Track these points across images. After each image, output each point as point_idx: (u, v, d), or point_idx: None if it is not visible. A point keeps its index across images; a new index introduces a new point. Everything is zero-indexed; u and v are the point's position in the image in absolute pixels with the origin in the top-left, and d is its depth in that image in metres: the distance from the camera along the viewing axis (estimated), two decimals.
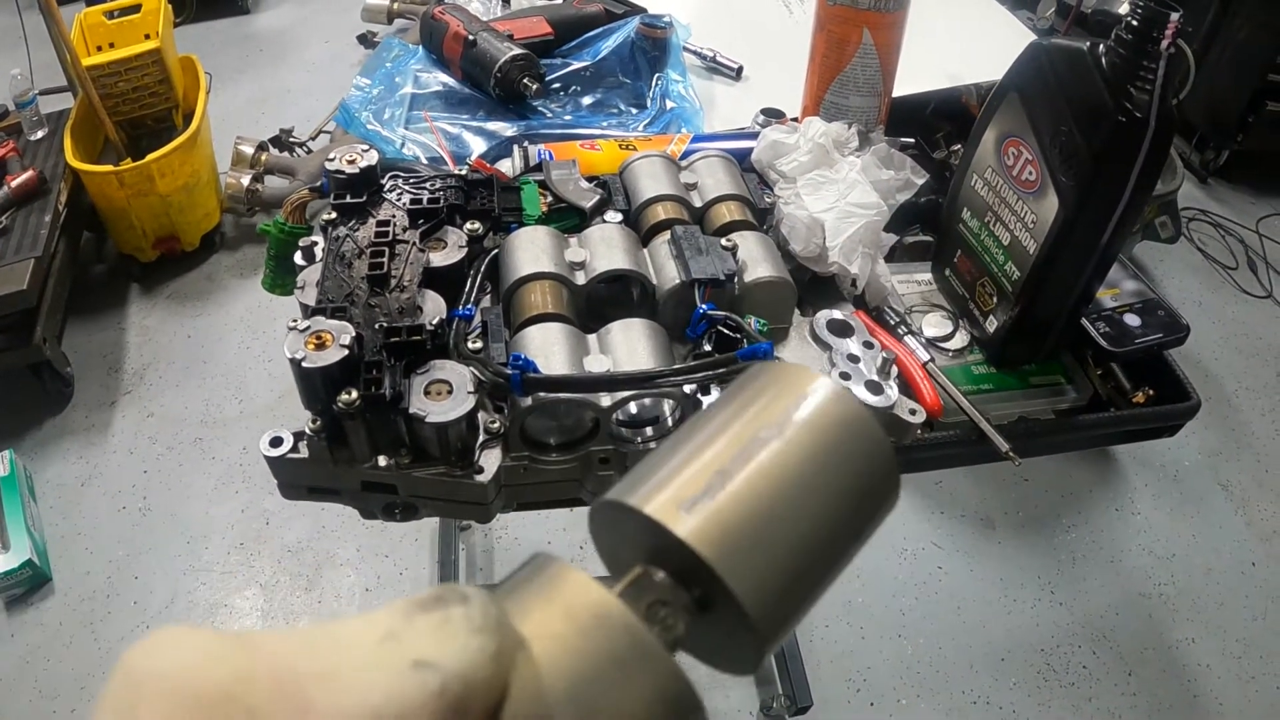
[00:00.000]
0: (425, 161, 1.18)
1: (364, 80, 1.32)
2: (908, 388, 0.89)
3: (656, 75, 1.33)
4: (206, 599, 2.00)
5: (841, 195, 0.96)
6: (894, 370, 0.83)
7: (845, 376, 0.80)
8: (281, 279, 1.04)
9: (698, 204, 0.96)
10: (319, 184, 0.95)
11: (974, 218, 0.98)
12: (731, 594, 0.30)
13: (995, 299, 0.96)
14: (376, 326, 0.76)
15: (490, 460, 0.76)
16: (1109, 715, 1.80)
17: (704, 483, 0.32)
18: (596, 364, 0.76)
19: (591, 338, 0.81)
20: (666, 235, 0.88)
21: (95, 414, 2.39)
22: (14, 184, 2.39)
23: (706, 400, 0.76)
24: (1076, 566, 2.04)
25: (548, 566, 0.29)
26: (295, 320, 0.74)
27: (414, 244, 0.84)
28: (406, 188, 0.91)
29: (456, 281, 0.84)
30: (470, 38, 1.27)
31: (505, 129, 1.23)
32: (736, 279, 0.84)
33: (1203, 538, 2.11)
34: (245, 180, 2.74)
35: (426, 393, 0.73)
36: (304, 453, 0.76)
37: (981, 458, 0.92)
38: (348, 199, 0.89)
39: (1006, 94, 0.92)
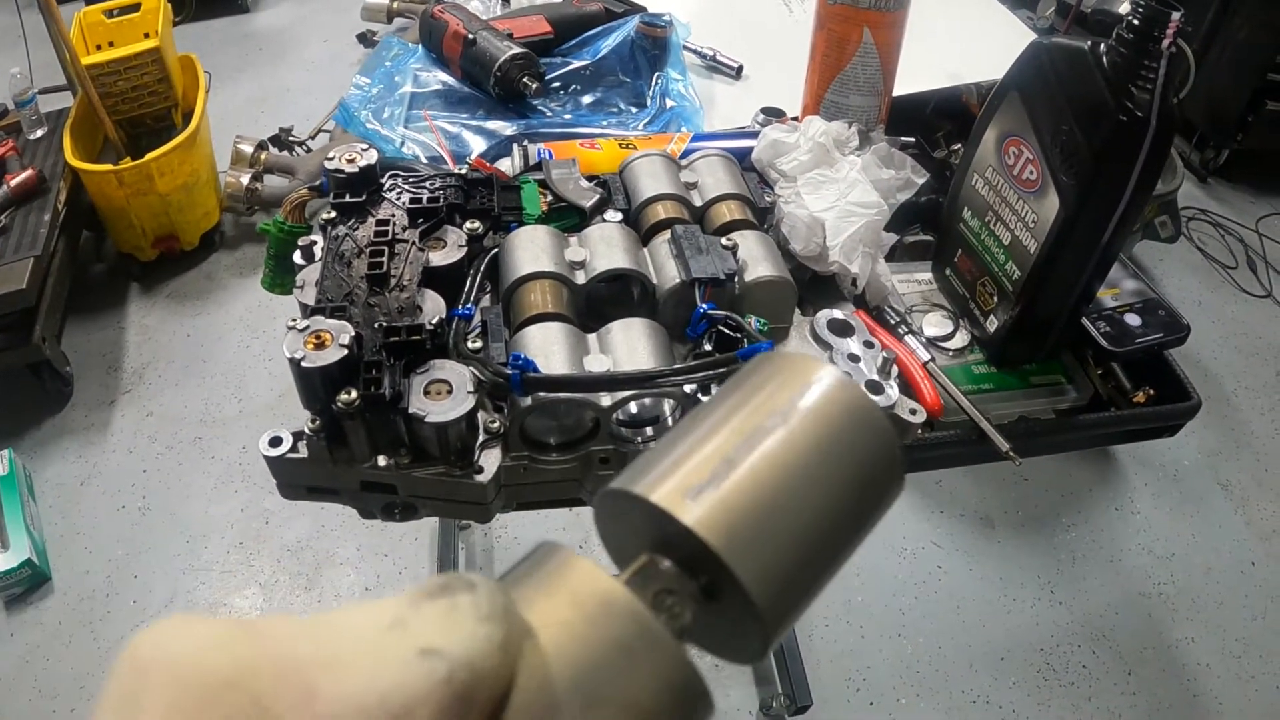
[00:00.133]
0: (425, 160, 1.18)
1: (363, 79, 1.32)
2: (908, 387, 0.89)
3: (656, 74, 1.33)
4: (206, 598, 2.00)
5: (842, 194, 0.96)
6: (894, 370, 0.82)
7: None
8: (281, 278, 1.04)
9: (698, 203, 0.96)
10: (318, 183, 0.95)
11: (974, 217, 0.98)
12: (738, 582, 0.30)
13: (996, 298, 0.96)
14: (376, 326, 0.76)
15: (490, 460, 0.76)
16: (1108, 714, 1.80)
17: (710, 471, 0.32)
18: (596, 364, 0.76)
19: (591, 337, 0.81)
20: (667, 234, 0.88)
21: (94, 413, 2.39)
22: (13, 183, 2.39)
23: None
24: (1076, 566, 2.04)
25: (554, 554, 0.29)
26: (294, 320, 0.74)
27: (413, 243, 0.84)
28: (406, 187, 0.91)
29: (456, 281, 0.84)
30: (470, 36, 1.27)
31: (505, 128, 1.23)
32: (737, 278, 0.84)
33: (1202, 537, 2.11)
34: (245, 179, 2.74)
35: (426, 392, 0.73)
36: (303, 453, 0.76)
37: (982, 457, 0.91)
38: (347, 198, 0.89)
39: (1007, 93, 0.92)
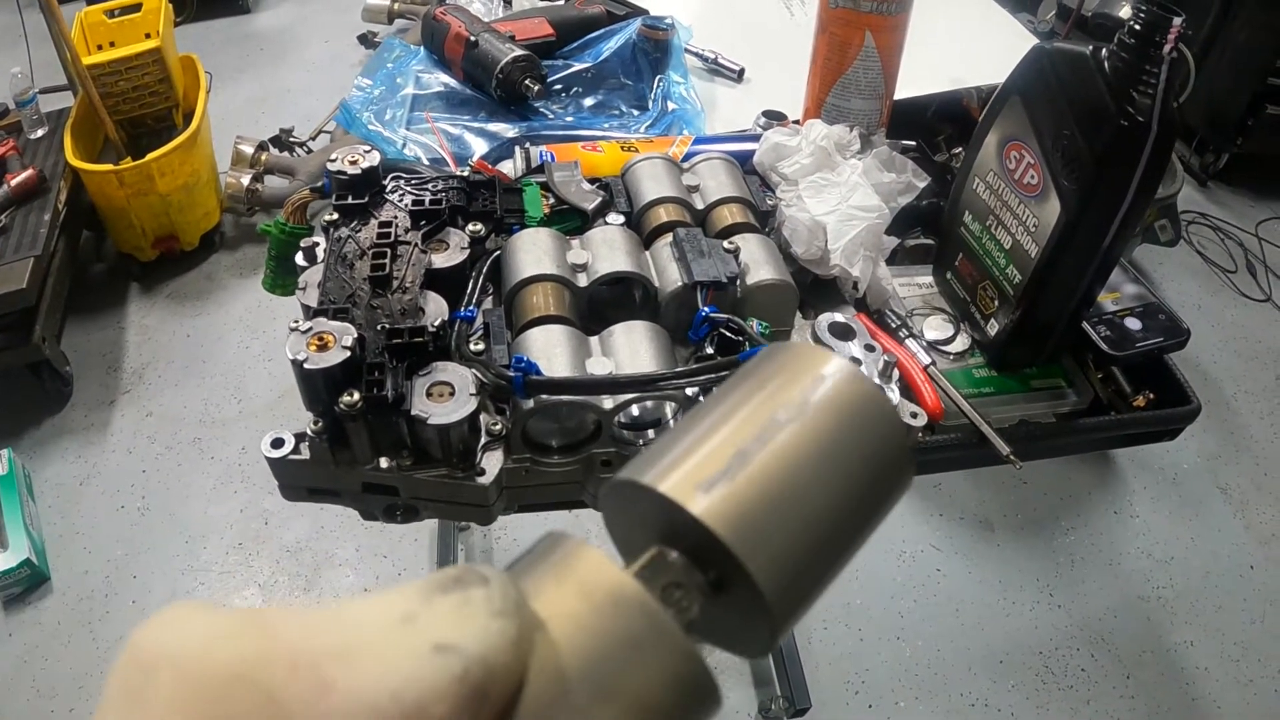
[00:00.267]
0: (427, 162, 1.18)
1: (365, 81, 1.32)
2: (909, 391, 0.89)
3: (658, 77, 1.33)
4: (205, 599, 1.99)
5: (843, 198, 0.96)
6: (895, 373, 0.83)
7: None
8: (282, 279, 1.04)
9: (700, 206, 0.96)
10: (320, 184, 0.95)
11: (975, 221, 0.99)
12: (749, 575, 0.30)
13: (996, 302, 0.96)
14: (378, 328, 0.76)
15: (492, 462, 0.76)
16: (1107, 718, 1.81)
17: (722, 463, 0.31)
18: (599, 366, 0.76)
19: (593, 340, 0.81)
20: (669, 237, 0.88)
21: (94, 413, 2.39)
22: (14, 182, 2.39)
23: None
24: (1075, 569, 2.04)
25: (562, 544, 0.29)
26: (297, 321, 0.74)
27: (416, 245, 0.84)
28: (408, 189, 0.91)
29: (458, 283, 0.84)
30: (472, 39, 1.27)
31: (507, 130, 1.23)
32: (738, 281, 0.84)
33: (1201, 541, 2.11)
34: (245, 180, 2.74)
35: (428, 394, 0.73)
36: (305, 454, 0.76)
37: (982, 461, 0.92)
38: (349, 200, 0.89)
39: (1009, 97, 0.92)
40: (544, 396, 0.74)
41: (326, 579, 2.02)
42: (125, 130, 2.75)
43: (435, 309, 0.80)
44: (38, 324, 2.23)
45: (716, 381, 0.76)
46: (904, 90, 1.19)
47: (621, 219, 0.94)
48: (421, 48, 1.37)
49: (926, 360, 0.93)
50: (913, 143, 1.18)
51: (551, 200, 0.97)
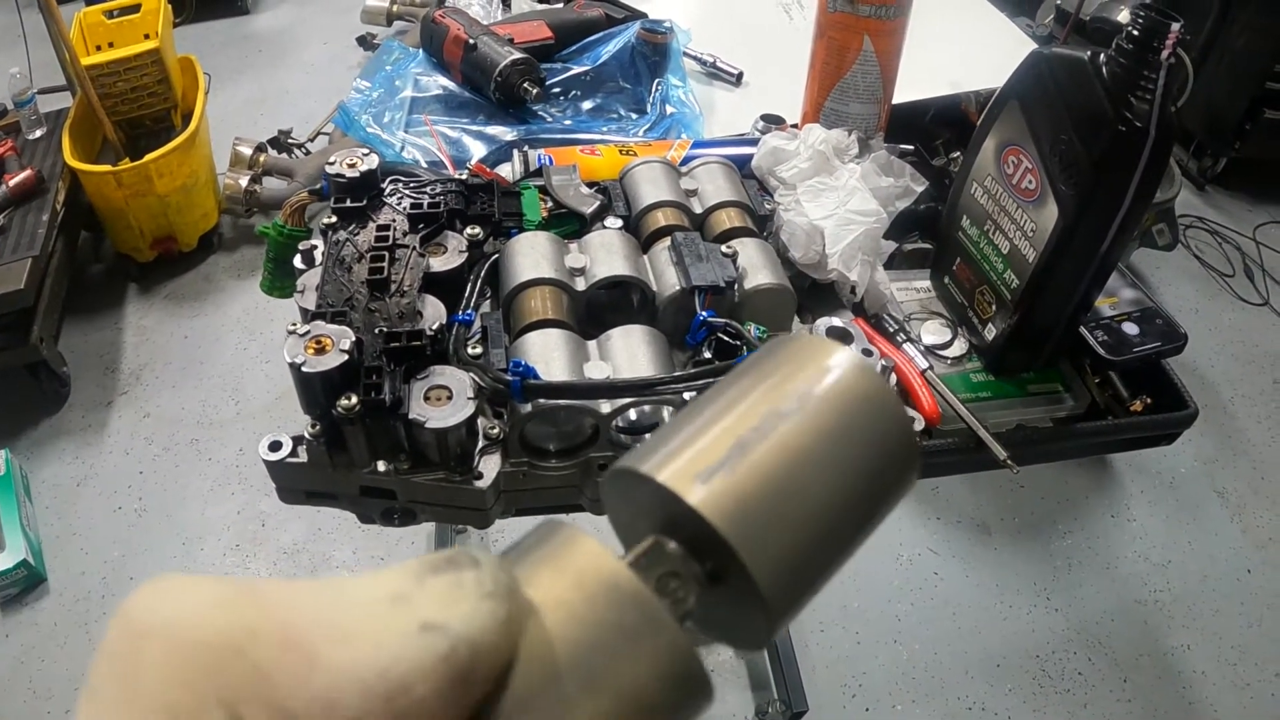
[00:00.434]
0: (425, 165, 1.18)
1: (364, 83, 1.32)
2: (906, 395, 0.89)
3: (656, 80, 1.33)
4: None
5: (841, 202, 0.96)
6: (893, 378, 0.83)
7: None
8: (280, 281, 1.04)
9: (698, 210, 0.96)
10: (318, 186, 0.95)
11: (973, 225, 0.99)
12: (745, 568, 0.29)
13: (994, 307, 0.96)
14: (376, 331, 0.76)
15: (489, 466, 0.76)
16: None
17: (721, 453, 0.31)
18: (596, 370, 0.76)
19: (591, 344, 0.81)
20: (667, 241, 0.88)
21: (91, 414, 2.39)
22: (12, 183, 2.39)
23: None
24: (1072, 573, 2.05)
25: (558, 532, 0.29)
26: (295, 324, 0.74)
27: (414, 248, 0.84)
28: (407, 192, 0.91)
29: (456, 286, 0.84)
30: (470, 41, 1.27)
31: (505, 133, 1.23)
32: (736, 286, 0.84)
33: (1198, 544, 2.11)
34: (243, 181, 2.74)
35: (426, 398, 0.73)
36: (303, 457, 0.76)
37: (980, 465, 0.92)
38: (348, 203, 0.89)
39: (1006, 102, 0.92)
40: (542, 400, 0.74)
41: None
42: (124, 131, 2.75)
43: (433, 312, 0.80)
44: (35, 324, 2.23)
45: None
46: (902, 94, 1.19)
47: (619, 223, 0.94)
48: (420, 50, 1.37)
49: (924, 365, 0.93)
50: (911, 147, 1.18)
51: (550, 204, 0.97)
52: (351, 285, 0.81)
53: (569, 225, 0.96)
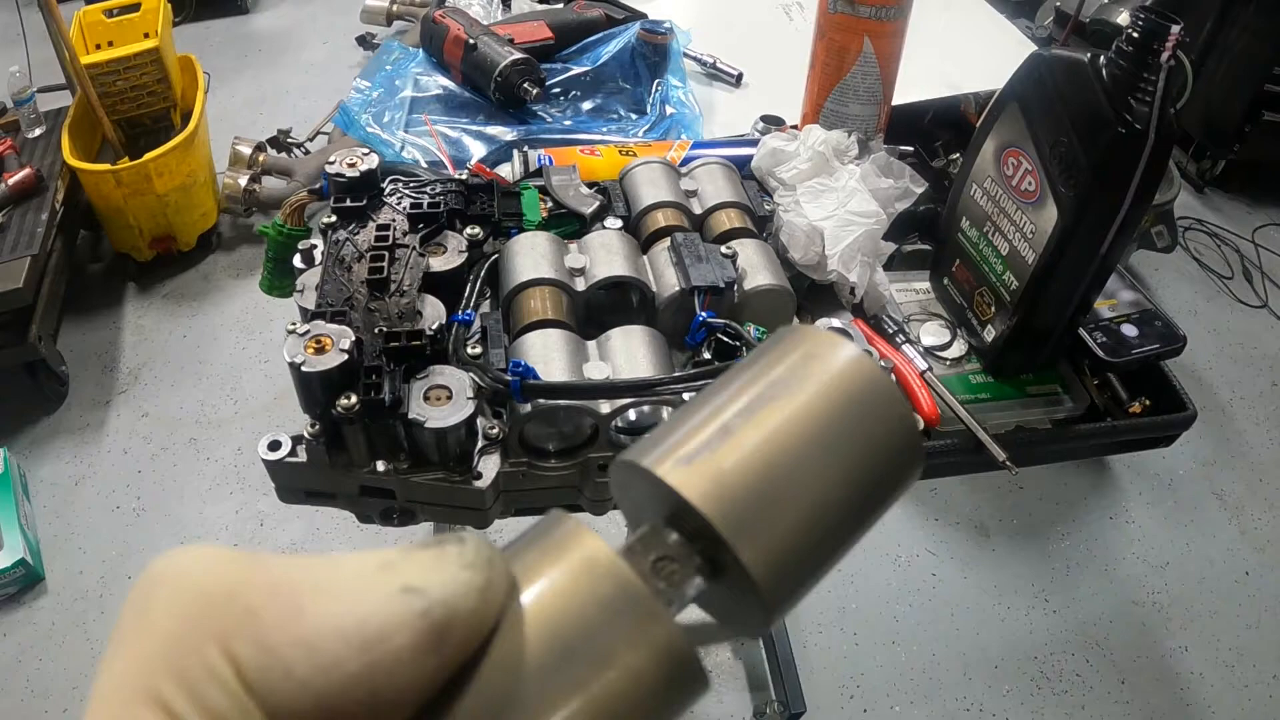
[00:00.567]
0: (425, 165, 1.18)
1: (364, 83, 1.32)
2: (905, 397, 0.89)
3: (656, 81, 1.33)
4: None
5: (841, 203, 0.97)
6: (892, 379, 0.83)
7: None
8: (279, 281, 1.04)
9: (698, 211, 0.96)
10: (318, 186, 0.95)
11: (973, 227, 0.99)
12: (730, 548, 0.29)
13: (993, 308, 0.96)
14: (376, 331, 0.76)
15: (489, 466, 0.76)
16: None
17: (705, 438, 0.31)
18: (596, 371, 0.76)
19: (591, 344, 0.81)
20: (666, 242, 0.89)
21: (90, 413, 2.38)
22: (11, 181, 2.38)
23: None
24: (1070, 574, 2.05)
25: (555, 520, 0.30)
26: (294, 324, 0.74)
27: (414, 248, 0.84)
28: (406, 192, 0.91)
29: (456, 286, 0.84)
30: (471, 41, 1.27)
31: (505, 133, 1.23)
32: (736, 287, 0.84)
33: (1196, 546, 2.11)
34: (243, 180, 2.73)
35: (426, 398, 0.73)
36: (302, 457, 0.76)
37: (978, 466, 0.92)
38: (348, 202, 0.89)
39: (1006, 104, 0.92)
40: (541, 401, 0.74)
41: None
42: (123, 130, 2.75)
43: (433, 312, 0.80)
44: (34, 323, 2.22)
45: None
46: (902, 96, 1.19)
47: (619, 223, 0.94)
48: (420, 50, 1.37)
49: (923, 366, 0.93)
50: (910, 148, 1.18)
51: (549, 204, 0.97)
52: (351, 285, 0.81)
53: (569, 225, 0.96)
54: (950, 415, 0.90)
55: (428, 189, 0.91)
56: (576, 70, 1.33)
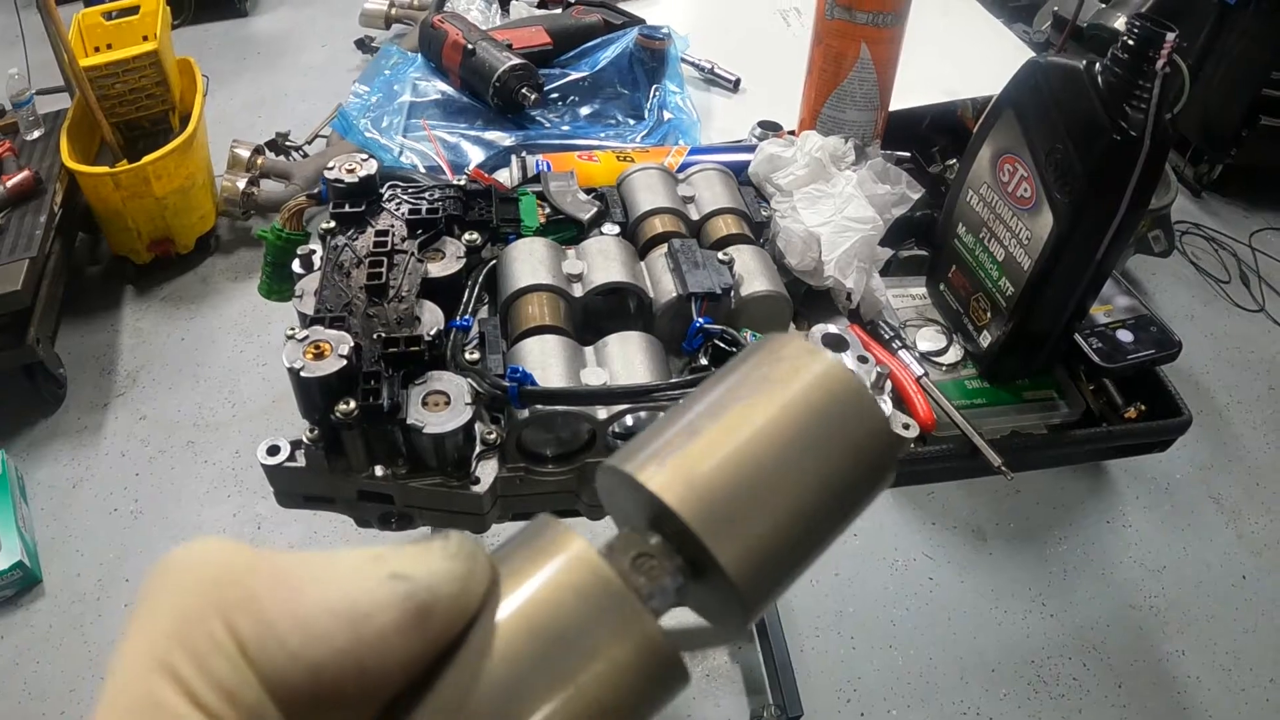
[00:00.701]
0: (423, 170, 1.18)
1: (362, 87, 1.33)
2: (901, 402, 0.90)
3: (654, 86, 1.34)
4: None
5: (838, 209, 0.97)
6: (888, 384, 0.83)
7: None
8: (278, 285, 1.04)
9: (695, 217, 0.97)
10: (317, 191, 0.95)
11: (969, 233, 0.99)
12: (702, 543, 0.31)
13: (989, 314, 0.97)
14: (375, 337, 0.76)
15: (487, 471, 0.76)
16: None
17: (675, 440, 0.33)
18: (593, 377, 0.77)
19: (588, 350, 0.81)
20: (664, 248, 0.89)
21: (88, 416, 2.38)
22: (9, 184, 2.39)
23: None
24: (1067, 578, 2.05)
25: (541, 524, 0.31)
26: (293, 329, 0.75)
27: (412, 254, 0.85)
28: (405, 197, 0.91)
29: (454, 292, 0.85)
30: (469, 47, 1.27)
31: (503, 139, 1.23)
32: (733, 293, 0.85)
33: (1193, 551, 2.12)
34: (241, 183, 2.73)
35: (424, 403, 0.74)
36: (301, 462, 0.76)
37: (974, 471, 0.92)
38: (347, 208, 0.89)
39: (1002, 111, 0.92)
40: (538, 406, 0.74)
41: None
42: (122, 133, 2.75)
43: (431, 318, 0.80)
44: (32, 326, 2.22)
45: None
46: (899, 101, 1.20)
47: (617, 229, 0.94)
48: (419, 55, 1.37)
49: (919, 371, 0.94)
50: (907, 154, 1.18)
51: (547, 210, 0.97)
52: (350, 290, 0.81)
53: (566, 231, 0.96)
54: (946, 420, 0.91)
55: (426, 194, 0.92)
56: (575, 76, 1.34)
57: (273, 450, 0.77)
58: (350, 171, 0.89)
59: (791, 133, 1.20)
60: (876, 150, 1.14)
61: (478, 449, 0.77)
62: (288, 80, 3.68)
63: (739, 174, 1.05)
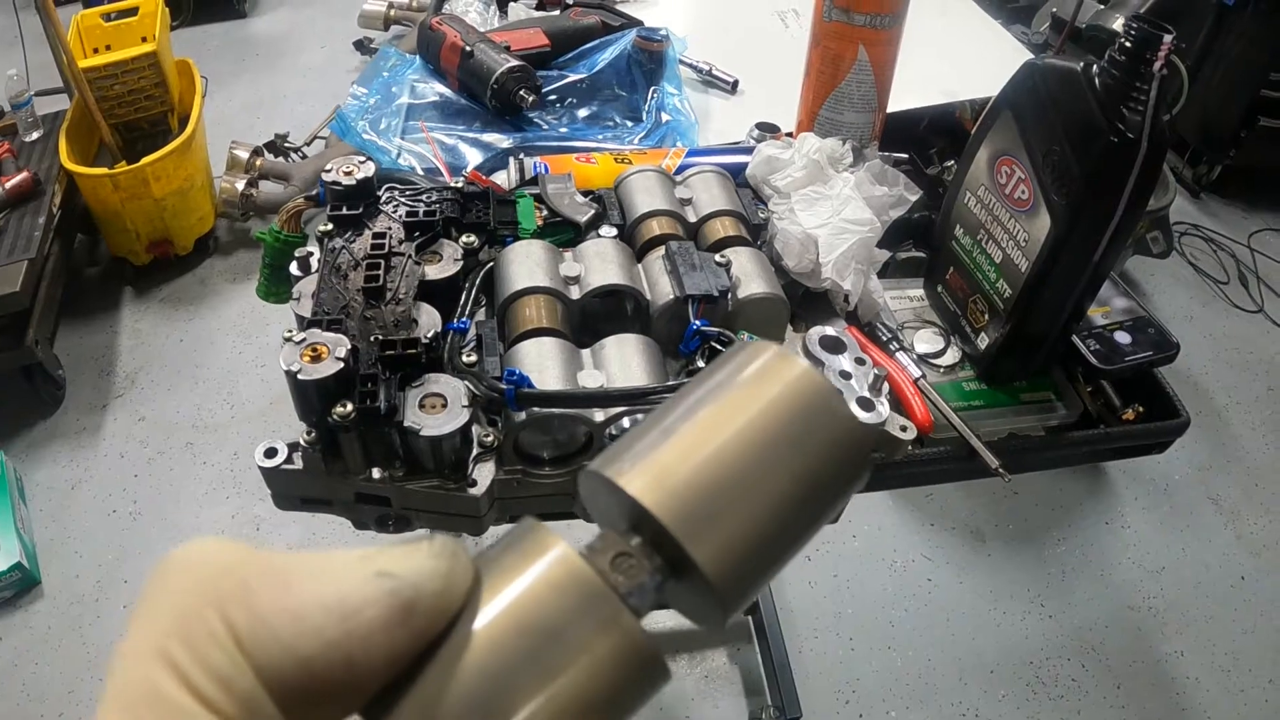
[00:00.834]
0: (421, 172, 1.18)
1: (361, 89, 1.33)
2: (899, 404, 0.90)
3: (652, 88, 1.33)
4: None
5: (835, 211, 0.97)
6: (886, 386, 0.83)
7: None
8: (276, 287, 1.05)
9: (692, 219, 0.96)
10: (315, 193, 0.95)
11: (966, 235, 0.99)
12: (679, 543, 0.32)
13: (987, 316, 0.97)
14: (372, 339, 0.76)
15: (484, 473, 0.76)
16: None
17: (661, 447, 0.34)
18: (590, 379, 0.77)
19: (585, 352, 0.81)
20: (661, 251, 0.89)
21: (86, 417, 2.38)
22: (8, 185, 2.39)
23: None
24: (1066, 579, 2.05)
25: (525, 528, 0.33)
26: (291, 331, 0.75)
27: (409, 256, 0.85)
28: (403, 200, 0.91)
29: (452, 295, 0.85)
30: (467, 49, 1.27)
31: (501, 140, 1.23)
32: (730, 295, 0.85)
33: (1192, 551, 2.12)
34: (240, 185, 2.74)
35: (421, 406, 0.74)
36: (298, 464, 0.76)
37: (972, 473, 0.92)
38: (344, 210, 0.89)
39: (1000, 112, 0.92)
40: (535, 409, 0.74)
41: None
42: (120, 134, 2.75)
43: (428, 321, 0.80)
44: (31, 327, 2.23)
45: None
46: (897, 103, 1.19)
47: (614, 231, 0.94)
48: (417, 57, 1.37)
49: (917, 373, 0.94)
50: (905, 156, 1.18)
51: (545, 212, 0.97)
52: (347, 293, 0.81)
53: (564, 234, 0.96)
54: (944, 422, 0.91)
55: (424, 197, 0.92)
56: (573, 77, 1.34)
57: (270, 453, 0.77)
58: (348, 174, 0.89)
59: (789, 134, 1.20)
60: (874, 152, 1.14)
61: (475, 451, 0.77)
62: (286, 81, 3.68)
63: (737, 176, 1.05)
